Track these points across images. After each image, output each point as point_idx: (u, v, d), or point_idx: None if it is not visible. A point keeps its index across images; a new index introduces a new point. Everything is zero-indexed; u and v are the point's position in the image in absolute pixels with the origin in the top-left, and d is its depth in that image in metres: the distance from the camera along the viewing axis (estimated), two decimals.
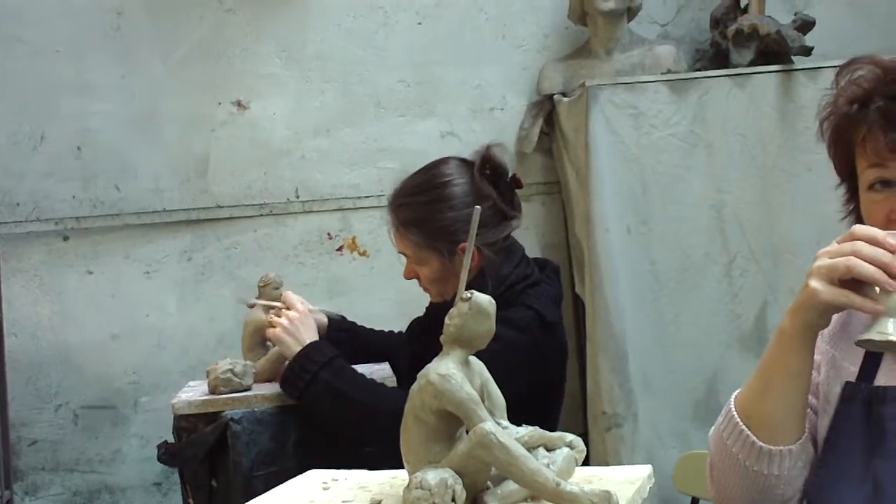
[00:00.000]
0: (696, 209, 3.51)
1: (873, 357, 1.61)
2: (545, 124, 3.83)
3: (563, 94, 3.73)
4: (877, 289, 1.47)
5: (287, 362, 2.52)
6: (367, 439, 2.37)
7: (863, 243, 1.48)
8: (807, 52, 3.59)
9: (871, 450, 1.53)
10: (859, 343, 1.48)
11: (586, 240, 3.50)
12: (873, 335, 1.46)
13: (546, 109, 3.81)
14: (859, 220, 1.62)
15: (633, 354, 3.44)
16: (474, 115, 3.89)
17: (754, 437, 1.57)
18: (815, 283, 1.50)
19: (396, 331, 2.97)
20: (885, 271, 1.45)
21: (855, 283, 1.47)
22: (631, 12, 3.78)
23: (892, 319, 1.45)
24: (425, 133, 3.85)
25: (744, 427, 1.58)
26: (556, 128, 3.78)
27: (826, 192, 3.45)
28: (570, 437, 1.38)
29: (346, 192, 3.84)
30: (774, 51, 3.60)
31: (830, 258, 1.50)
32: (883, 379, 1.59)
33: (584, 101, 3.48)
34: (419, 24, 3.86)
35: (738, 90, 3.54)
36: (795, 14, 3.73)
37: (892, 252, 1.46)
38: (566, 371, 2.69)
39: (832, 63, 3.53)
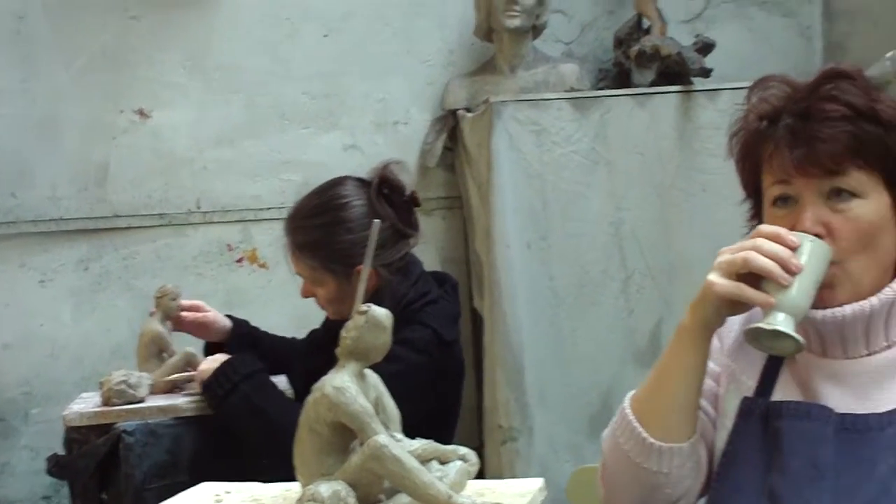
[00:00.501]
0: (595, 226, 3.55)
1: (770, 372, 1.63)
2: (449, 139, 3.85)
3: (468, 110, 3.75)
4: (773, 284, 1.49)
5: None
6: (274, 458, 2.35)
7: (763, 239, 1.51)
8: (706, 73, 3.66)
9: (767, 464, 1.55)
10: (747, 331, 1.51)
11: (486, 255, 3.53)
12: (762, 324, 1.48)
13: (450, 124, 3.83)
14: None
15: (530, 369, 3.46)
16: (378, 128, 3.89)
17: (645, 434, 1.58)
18: (712, 277, 1.53)
19: (299, 338, 2.96)
20: (782, 266, 1.47)
21: (754, 280, 1.50)
22: (536, 30, 3.81)
23: (782, 313, 1.47)
24: (329, 146, 3.84)
25: (636, 424, 1.60)
26: (459, 143, 3.80)
27: (721, 211, 3.57)
28: (463, 450, 1.39)
29: (247, 203, 3.81)
30: (675, 72, 3.65)
31: (731, 254, 1.52)
32: (779, 394, 1.61)
33: (488, 116, 3.51)
34: (325, 36, 3.85)
35: (639, 109, 3.59)
36: (696, 36, 3.79)
37: (791, 249, 1.49)
38: (462, 390, 2.69)
39: (731, 85, 3.63)
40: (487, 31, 3.80)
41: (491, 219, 3.48)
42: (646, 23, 3.81)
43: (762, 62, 4.03)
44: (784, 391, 1.61)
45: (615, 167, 3.57)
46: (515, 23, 3.69)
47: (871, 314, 1.55)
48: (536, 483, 1.45)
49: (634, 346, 3.58)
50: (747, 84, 3.70)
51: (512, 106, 3.52)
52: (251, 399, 2.42)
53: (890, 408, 1.52)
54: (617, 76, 3.86)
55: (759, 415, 1.59)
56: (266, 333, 2.92)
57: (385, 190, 2.54)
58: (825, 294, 1.54)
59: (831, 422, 1.53)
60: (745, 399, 1.63)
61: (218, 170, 3.79)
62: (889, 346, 1.57)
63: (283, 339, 2.96)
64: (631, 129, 3.58)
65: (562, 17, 3.99)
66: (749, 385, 1.65)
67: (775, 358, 1.63)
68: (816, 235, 1.52)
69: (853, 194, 1.54)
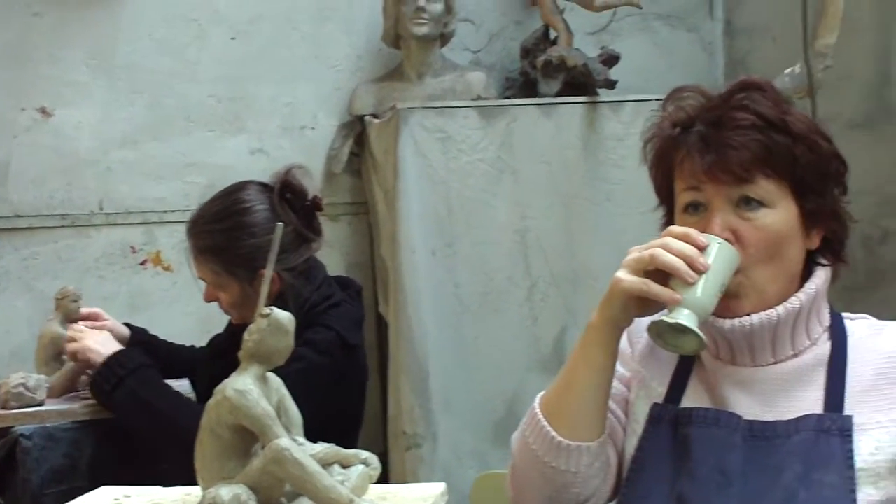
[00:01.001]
0: (500, 234, 3.58)
1: (680, 378, 1.65)
2: (355, 145, 3.85)
3: (375, 116, 3.76)
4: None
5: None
6: (165, 452, 2.33)
7: (672, 238, 1.53)
8: (611, 85, 3.70)
9: (676, 470, 1.57)
10: (650, 326, 1.52)
11: (392, 261, 3.53)
12: (665, 317, 1.49)
13: (357, 130, 3.83)
14: None
15: (435, 375, 3.48)
16: (285, 132, 3.87)
17: (554, 433, 1.59)
18: (619, 273, 1.55)
19: (198, 346, 2.94)
20: (688, 265, 1.49)
21: (662, 278, 1.52)
22: (444, 38, 3.83)
23: (687, 309, 1.49)
24: (235, 149, 3.82)
25: (545, 423, 1.60)
26: (365, 149, 3.80)
27: (625, 220, 3.63)
28: (365, 454, 1.40)
29: (151, 205, 3.77)
30: (581, 82, 3.70)
31: (640, 252, 1.54)
32: (689, 401, 1.63)
33: (395, 123, 3.52)
34: (233, 38, 3.83)
35: (545, 119, 3.63)
36: (602, 48, 3.85)
37: (700, 249, 1.51)
38: (365, 394, 2.70)
39: (635, 97, 3.69)
40: (395, 37, 3.81)
41: (397, 225, 3.49)
42: (553, 34, 3.85)
43: (666, 75, 4.11)
44: (693, 398, 1.63)
45: (521, 176, 3.60)
46: (423, 30, 3.71)
47: (777, 323, 1.57)
48: (438, 487, 1.46)
49: (538, 353, 3.61)
50: (651, 96, 3.81)
51: (419, 113, 3.53)
52: (137, 393, 2.40)
53: (796, 415, 1.55)
54: (523, 85, 3.90)
55: (669, 421, 1.61)
56: (165, 342, 2.90)
57: (287, 195, 2.54)
58: (731, 303, 1.56)
59: (739, 429, 1.55)
60: (655, 405, 1.64)
61: (122, 171, 3.74)
62: (796, 355, 1.60)
63: (183, 347, 2.93)
64: (537, 138, 3.61)
65: (470, 25, 4.02)
66: (659, 391, 1.67)
67: (685, 364, 1.65)
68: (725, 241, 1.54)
69: (761, 203, 1.56)
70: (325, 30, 3.91)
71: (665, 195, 1.71)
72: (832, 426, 1.52)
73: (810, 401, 1.56)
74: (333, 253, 3.81)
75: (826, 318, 1.64)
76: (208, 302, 2.62)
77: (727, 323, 1.57)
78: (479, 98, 3.71)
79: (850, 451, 1.50)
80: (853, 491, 1.48)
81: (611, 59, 3.75)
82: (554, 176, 3.62)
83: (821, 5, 3.26)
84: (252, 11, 3.83)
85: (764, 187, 1.56)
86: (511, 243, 3.59)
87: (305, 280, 2.54)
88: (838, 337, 1.61)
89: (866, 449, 1.51)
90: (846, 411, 1.53)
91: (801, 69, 3.30)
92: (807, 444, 1.51)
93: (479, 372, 3.56)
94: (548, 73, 3.72)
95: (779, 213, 1.57)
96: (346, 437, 2.55)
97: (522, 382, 3.59)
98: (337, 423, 2.47)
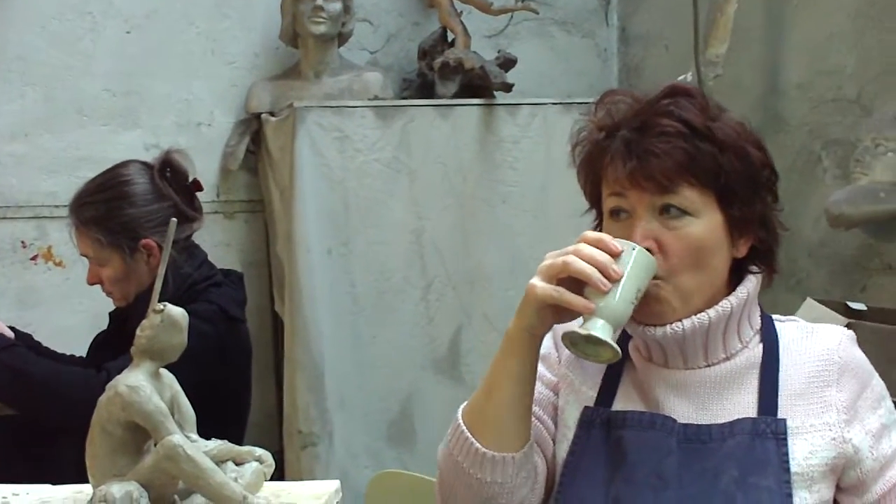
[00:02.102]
0: (396, 233, 3.59)
1: (611, 381, 1.63)
2: (252, 142, 3.83)
3: (271, 114, 3.75)
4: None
5: None
6: (49, 420, 2.34)
7: (585, 244, 1.49)
8: (508, 88, 3.74)
9: (611, 474, 1.55)
10: (563, 336, 1.49)
11: (287, 259, 3.52)
12: (578, 329, 1.46)
13: (253, 128, 3.82)
14: None
15: (331, 374, 3.48)
16: (181, 129, 3.83)
17: (478, 444, 1.55)
18: (533, 280, 1.50)
19: (78, 355, 2.91)
20: (601, 272, 1.46)
21: (576, 284, 1.48)
22: (342, 37, 3.83)
23: (601, 319, 1.45)
24: (129, 144, 3.77)
25: (468, 434, 1.56)
26: (262, 147, 3.79)
27: (519, 222, 3.67)
28: (259, 451, 1.40)
29: (42, 199, 3.70)
30: (478, 85, 3.73)
31: (553, 258, 1.50)
32: (621, 403, 1.61)
33: (292, 121, 3.51)
34: (128, 32, 3.78)
35: (442, 120, 3.65)
36: (499, 51, 3.88)
37: (613, 255, 1.47)
38: (250, 373, 2.72)
39: (531, 100, 3.73)
40: (293, 35, 3.80)
41: (293, 223, 3.48)
42: (450, 36, 3.87)
43: (561, 80, 4.17)
44: (625, 400, 1.61)
45: (417, 176, 3.62)
46: (321, 29, 3.71)
47: (708, 327, 1.55)
48: (332, 485, 1.47)
49: (434, 353, 3.64)
50: (547, 100, 3.85)
51: (316, 112, 3.53)
52: (10, 364, 2.39)
53: (730, 419, 1.54)
54: (420, 87, 3.92)
55: (601, 424, 1.59)
56: (49, 350, 2.87)
57: (168, 172, 2.61)
58: (655, 309, 1.54)
59: (675, 432, 1.54)
60: (587, 408, 1.62)
61: (12, 164, 3.67)
62: (728, 358, 1.59)
63: (63, 356, 2.90)
64: (433, 139, 3.64)
65: (368, 25, 4.03)
66: (589, 395, 1.64)
67: (615, 367, 1.62)
68: (647, 249, 1.50)
69: (685, 212, 1.53)
70: (222, 26, 3.88)
71: (594, 200, 1.66)
72: (767, 430, 1.52)
73: (743, 404, 1.56)
74: (229, 251, 3.80)
75: (757, 322, 1.63)
76: (91, 284, 2.64)
77: (658, 330, 1.55)
78: (376, 98, 3.72)
79: (786, 454, 1.51)
80: (790, 495, 1.49)
81: (507, 63, 3.79)
82: (450, 177, 3.65)
83: (712, 15, 3.34)
84: (148, 6, 3.79)
85: (687, 196, 1.52)
86: (407, 243, 3.61)
87: (188, 257, 2.59)
88: (770, 340, 1.61)
89: (801, 453, 1.52)
90: (780, 415, 1.54)
91: (693, 77, 3.37)
92: (742, 447, 1.51)
93: (374, 371, 3.57)
94: (445, 74, 3.74)
95: (702, 223, 1.53)
96: (233, 416, 2.57)
97: (417, 382, 3.62)
98: (223, 399, 2.48)
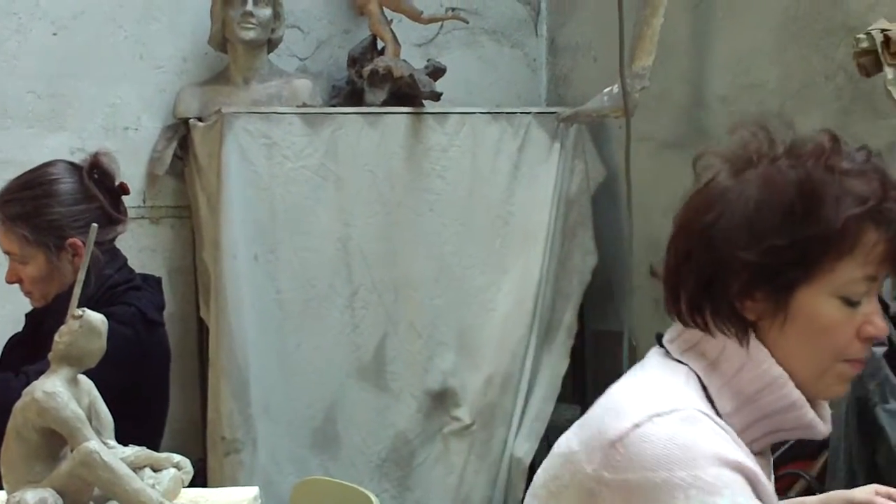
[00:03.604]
0: (323, 241, 3.59)
1: None
2: (179, 148, 3.80)
3: (199, 119, 3.72)
4: None
5: None
6: None
7: None
8: (436, 97, 3.76)
9: None
10: None
11: (213, 265, 3.51)
12: None
13: (181, 133, 3.79)
14: None
15: (255, 381, 3.47)
16: (107, 133, 3.79)
17: None
18: None
19: None
20: None
21: None
22: (272, 44, 3.82)
23: None
24: (55, 147, 3.71)
25: None
26: (189, 152, 3.76)
27: (446, 231, 3.68)
28: (177, 457, 1.40)
29: None
30: (406, 93, 3.74)
31: None
32: None
33: (219, 127, 3.50)
34: (54, 34, 3.74)
35: (370, 128, 3.66)
36: (428, 60, 3.90)
37: None
38: (169, 380, 2.72)
39: (459, 109, 3.76)
40: (222, 41, 3.78)
41: (219, 230, 3.47)
42: (380, 44, 3.88)
43: (490, 89, 4.20)
44: None
45: (345, 184, 3.62)
46: (250, 35, 3.70)
47: None
48: (251, 492, 1.48)
49: (359, 361, 3.64)
50: (475, 109, 3.88)
51: (244, 118, 3.52)
52: None
53: None
54: (349, 94, 3.92)
55: None
56: None
57: (95, 174, 2.61)
58: (845, 387, 1.42)
59: None
60: None
61: None
62: None
63: None
64: (361, 147, 3.64)
65: (298, 32, 4.02)
66: None
67: None
68: None
69: None
70: (150, 29, 3.85)
71: (812, 260, 1.35)
72: None
73: None
74: (155, 256, 3.77)
75: None
76: (10, 282, 2.63)
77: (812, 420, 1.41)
78: (304, 105, 3.72)
79: None
80: None
81: (436, 72, 3.81)
82: (377, 185, 3.65)
83: (639, 28, 3.38)
84: (75, 7, 3.75)
85: None
86: (333, 251, 3.61)
87: (110, 259, 2.59)
88: None
89: None
90: None
91: (619, 89, 3.41)
92: None
93: (299, 378, 3.57)
94: (374, 82, 3.75)
95: None
96: (151, 420, 2.56)
97: (342, 389, 3.62)
98: (141, 401, 2.48)
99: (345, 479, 2.94)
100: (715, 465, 1.25)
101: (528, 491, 1.43)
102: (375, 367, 3.65)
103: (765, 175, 1.37)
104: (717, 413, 1.34)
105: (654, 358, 1.43)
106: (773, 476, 1.46)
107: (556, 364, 3.86)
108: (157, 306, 2.66)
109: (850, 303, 1.34)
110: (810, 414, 1.38)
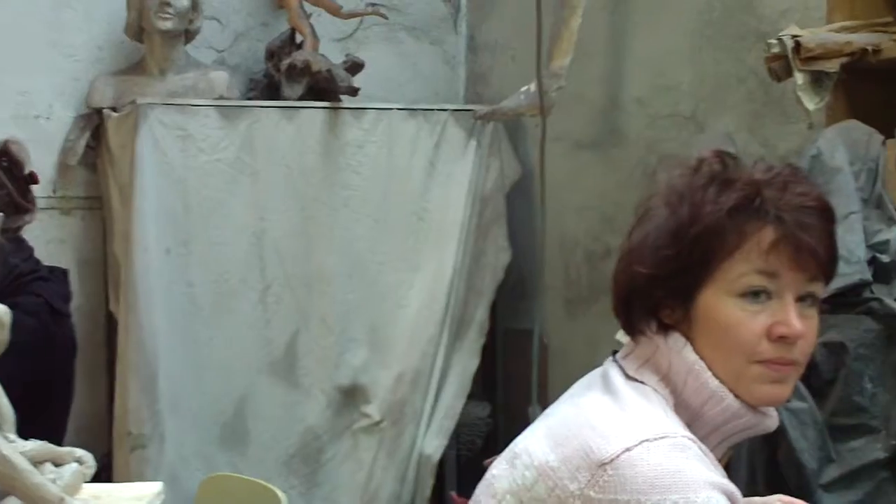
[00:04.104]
0: (237, 235, 3.57)
1: None
2: (92, 138, 3.75)
3: (114, 110, 3.68)
4: None
5: None
6: None
7: None
8: (354, 92, 3.75)
9: None
10: None
11: (124, 258, 3.47)
12: None
13: (94, 123, 3.74)
14: None
15: (164, 375, 3.44)
16: (18, 122, 3.72)
17: None
18: None
19: None
20: None
21: None
22: (189, 35, 3.79)
23: None
24: None
25: None
26: (103, 143, 3.71)
27: (360, 227, 3.68)
28: (79, 452, 1.38)
29: None
30: (324, 88, 3.73)
31: None
32: None
33: (134, 118, 3.46)
34: None
35: (287, 122, 3.64)
36: (347, 55, 3.89)
37: None
38: (74, 372, 2.70)
39: (377, 105, 3.76)
40: (138, 30, 3.74)
41: (131, 222, 3.43)
42: (299, 38, 3.86)
43: (408, 86, 4.20)
44: None
45: (260, 177, 3.60)
46: (167, 25, 3.66)
47: None
48: (154, 487, 1.46)
49: (270, 356, 3.62)
50: (393, 105, 3.88)
51: (159, 109, 3.49)
52: None
53: None
54: (267, 88, 3.90)
55: None
56: None
57: (5, 162, 2.63)
58: (779, 391, 1.39)
59: None
60: None
61: None
62: None
63: None
64: (278, 141, 3.62)
65: (216, 24, 3.98)
66: None
67: None
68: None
69: (815, 300, 1.40)
70: (64, 17, 3.79)
71: (695, 262, 1.38)
72: None
73: None
74: (65, 248, 3.72)
75: None
76: None
77: (760, 420, 1.41)
78: (221, 98, 3.69)
79: None
80: None
81: (355, 67, 3.80)
82: (293, 179, 3.64)
83: (557, 28, 3.40)
84: None
85: (821, 285, 1.40)
86: (247, 245, 3.59)
87: (16, 248, 2.59)
88: None
89: None
90: None
91: (536, 88, 3.43)
92: None
93: (209, 373, 3.54)
94: (292, 76, 3.73)
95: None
96: (54, 411, 2.54)
97: (252, 384, 3.60)
98: (45, 391, 2.46)
99: (253, 475, 2.93)
100: (705, 488, 1.27)
101: (484, 490, 1.43)
102: (287, 362, 3.64)
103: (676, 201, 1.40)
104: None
105: (616, 378, 1.44)
106: None
107: (467, 362, 3.87)
108: (64, 298, 2.65)
109: (752, 300, 1.34)
110: (755, 418, 1.39)
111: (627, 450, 1.29)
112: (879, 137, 2.44)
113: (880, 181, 2.40)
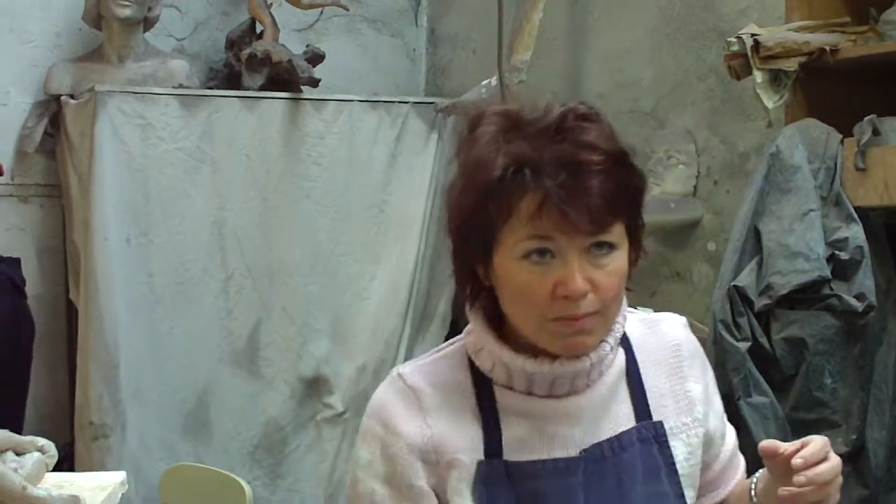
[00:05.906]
0: (197, 224, 3.56)
1: (491, 433, 1.49)
2: (50, 125, 3.73)
3: (72, 97, 3.66)
4: None
5: None
6: None
7: None
8: (315, 83, 3.74)
9: None
10: None
11: (84, 246, 3.45)
12: None
13: (52, 110, 3.72)
14: None
15: (126, 365, 3.42)
16: None
17: None
18: None
19: None
20: None
21: None
22: (148, 22, 3.77)
23: None
24: None
25: None
26: (61, 130, 3.69)
27: (321, 217, 3.68)
28: (41, 441, 1.38)
29: None
30: (285, 79, 3.72)
31: None
32: (514, 450, 1.47)
33: (93, 106, 3.44)
34: None
35: (247, 112, 3.63)
36: (307, 46, 3.88)
37: None
38: (32, 350, 2.69)
39: (337, 97, 3.76)
40: (97, 17, 3.71)
41: (91, 210, 3.41)
42: (259, 27, 3.86)
43: (368, 77, 4.21)
44: (519, 446, 1.48)
45: (220, 167, 3.59)
46: (126, 12, 3.63)
47: (607, 353, 1.48)
48: (118, 476, 1.46)
49: (232, 346, 3.62)
50: (353, 97, 3.88)
51: (118, 97, 3.47)
52: None
53: (619, 430, 1.49)
54: (227, 77, 3.89)
55: (502, 480, 1.46)
56: None
57: None
58: (585, 342, 1.42)
59: (579, 469, 1.46)
60: (481, 463, 1.46)
61: None
62: (602, 372, 1.50)
63: None
64: (238, 130, 3.62)
65: (175, 12, 3.97)
66: (474, 459, 1.47)
67: (489, 417, 1.48)
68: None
69: (613, 247, 1.40)
70: (20, 3, 3.75)
71: (479, 230, 1.43)
72: (649, 435, 1.50)
73: (622, 415, 1.50)
74: (23, 236, 3.69)
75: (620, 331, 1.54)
76: None
77: (569, 367, 1.45)
78: (181, 86, 3.68)
79: (671, 456, 1.50)
80: (682, 496, 1.49)
81: (315, 58, 3.79)
82: (254, 169, 3.63)
83: (518, 22, 3.41)
84: None
85: (615, 231, 1.40)
86: (208, 235, 3.58)
87: None
88: (625, 343, 1.54)
89: (681, 454, 1.51)
90: (654, 418, 1.51)
91: (497, 81, 3.44)
92: (634, 458, 1.48)
93: (170, 363, 3.54)
94: (252, 66, 3.72)
95: (623, 252, 1.42)
96: (12, 394, 2.53)
97: (214, 374, 3.60)
98: (11, 367, 2.46)
99: (216, 465, 2.93)
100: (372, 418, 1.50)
101: None
102: (249, 352, 3.64)
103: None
104: None
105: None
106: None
107: None
108: (18, 283, 2.63)
109: (537, 260, 1.37)
110: (504, 374, 1.47)
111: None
112: (837, 136, 2.47)
113: (838, 179, 2.44)
